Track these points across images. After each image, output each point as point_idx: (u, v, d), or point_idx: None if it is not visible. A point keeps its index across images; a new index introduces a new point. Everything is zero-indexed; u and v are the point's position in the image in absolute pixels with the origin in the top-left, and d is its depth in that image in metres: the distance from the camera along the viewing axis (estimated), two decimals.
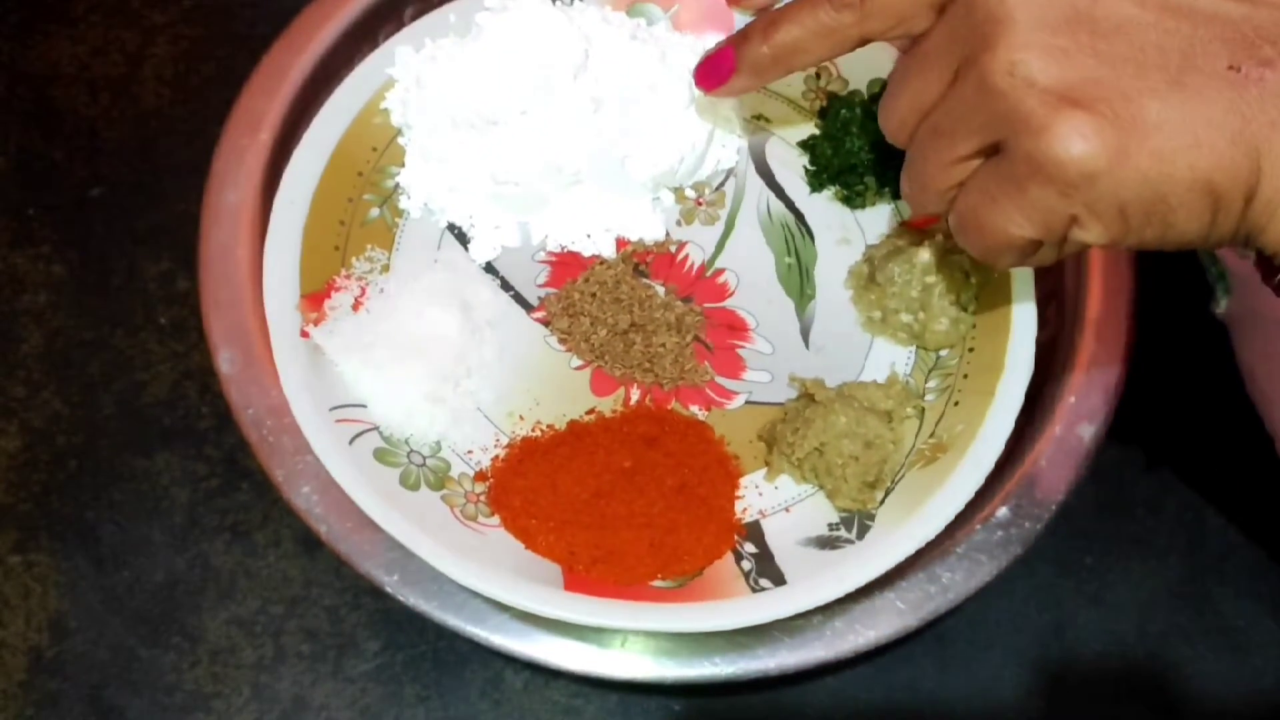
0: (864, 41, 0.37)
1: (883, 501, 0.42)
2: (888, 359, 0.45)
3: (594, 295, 0.45)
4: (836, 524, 0.42)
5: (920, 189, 0.36)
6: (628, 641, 0.40)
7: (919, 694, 0.51)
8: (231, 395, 0.46)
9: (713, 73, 0.41)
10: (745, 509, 0.43)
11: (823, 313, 0.46)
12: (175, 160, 0.61)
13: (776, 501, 0.43)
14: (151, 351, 0.57)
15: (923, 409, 0.43)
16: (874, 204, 0.48)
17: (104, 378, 0.57)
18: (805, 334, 0.46)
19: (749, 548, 0.41)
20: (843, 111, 0.47)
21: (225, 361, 0.47)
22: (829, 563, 0.40)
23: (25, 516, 0.54)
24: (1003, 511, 0.45)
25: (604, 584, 0.38)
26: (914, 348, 0.45)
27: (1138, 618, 0.53)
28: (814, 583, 0.40)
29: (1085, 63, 0.31)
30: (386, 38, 0.54)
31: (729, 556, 0.41)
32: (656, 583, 0.39)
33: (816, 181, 0.49)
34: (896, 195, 0.46)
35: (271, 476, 0.45)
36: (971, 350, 0.43)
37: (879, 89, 0.47)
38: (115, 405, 0.56)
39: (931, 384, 0.43)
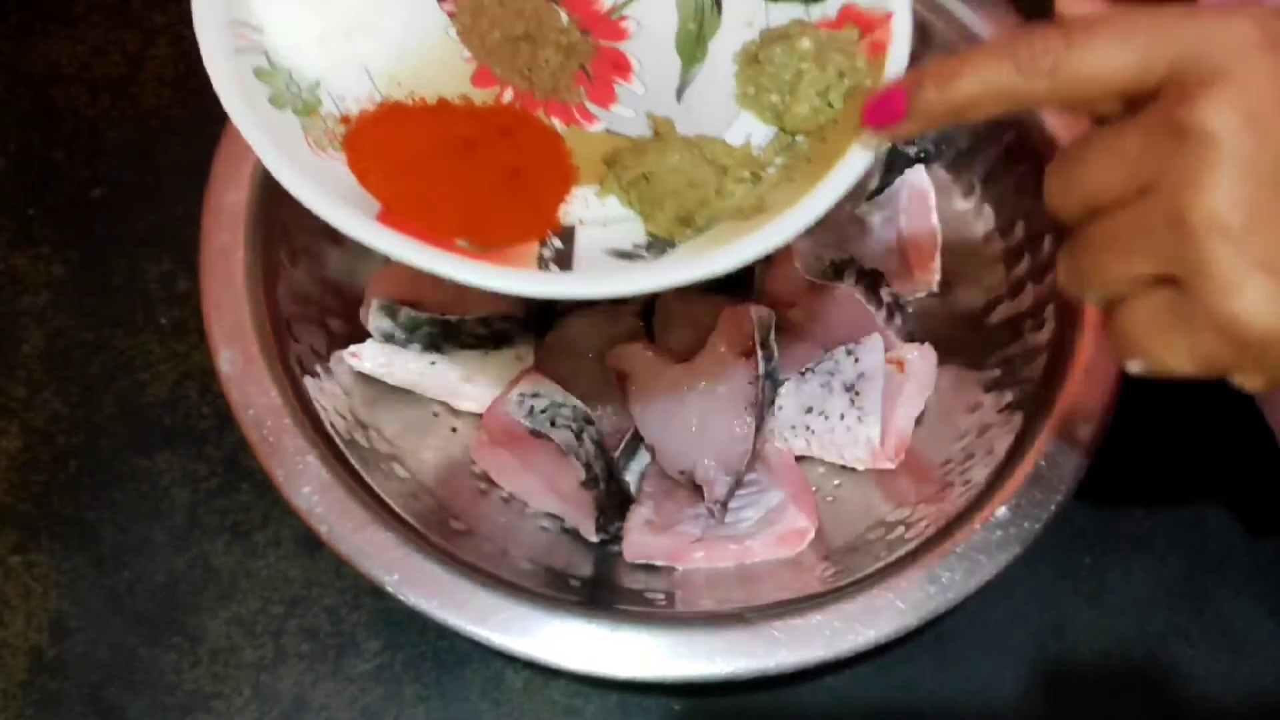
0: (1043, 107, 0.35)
1: (689, 239, 0.43)
2: (747, 131, 0.46)
3: (502, 3, 0.47)
4: (642, 245, 0.43)
5: (1081, 285, 0.34)
6: None
7: (918, 693, 0.51)
8: (232, 395, 0.46)
9: (882, 113, 0.38)
10: (568, 213, 0.44)
11: (703, 78, 0.48)
12: (176, 161, 0.61)
13: (598, 216, 0.44)
14: (152, 352, 0.57)
15: (759, 178, 0.44)
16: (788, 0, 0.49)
17: (104, 378, 0.57)
18: (680, 91, 0.48)
19: (556, 243, 0.43)
20: None
21: (226, 362, 0.47)
22: (618, 268, 0.42)
23: (26, 516, 0.54)
24: (1002, 511, 0.45)
25: (413, 228, 0.40)
26: (775, 129, 0.46)
27: (1137, 617, 0.53)
28: (594, 278, 0.40)
29: None
30: None
31: (534, 244, 0.42)
32: (460, 242, 0.41)
33: None
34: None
35: (272, 476, 0.45)
36: (823, 141, 0.44)
37: None
38: (116, 405, 0.56)
39: (778, 161, 0.45)
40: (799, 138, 0.45)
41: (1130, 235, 0.32)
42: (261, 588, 0.53)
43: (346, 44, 0.45)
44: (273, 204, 0.50)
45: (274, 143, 0.41)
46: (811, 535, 0.50)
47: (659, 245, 0.43)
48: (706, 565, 0.50)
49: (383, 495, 0.46)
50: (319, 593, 0.53)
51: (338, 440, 0.47)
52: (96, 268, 0.59)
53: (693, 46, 0.48)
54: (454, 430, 0.54)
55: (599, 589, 0.48)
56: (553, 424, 0.49)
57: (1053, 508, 0.45)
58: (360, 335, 0.52)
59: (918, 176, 0.57)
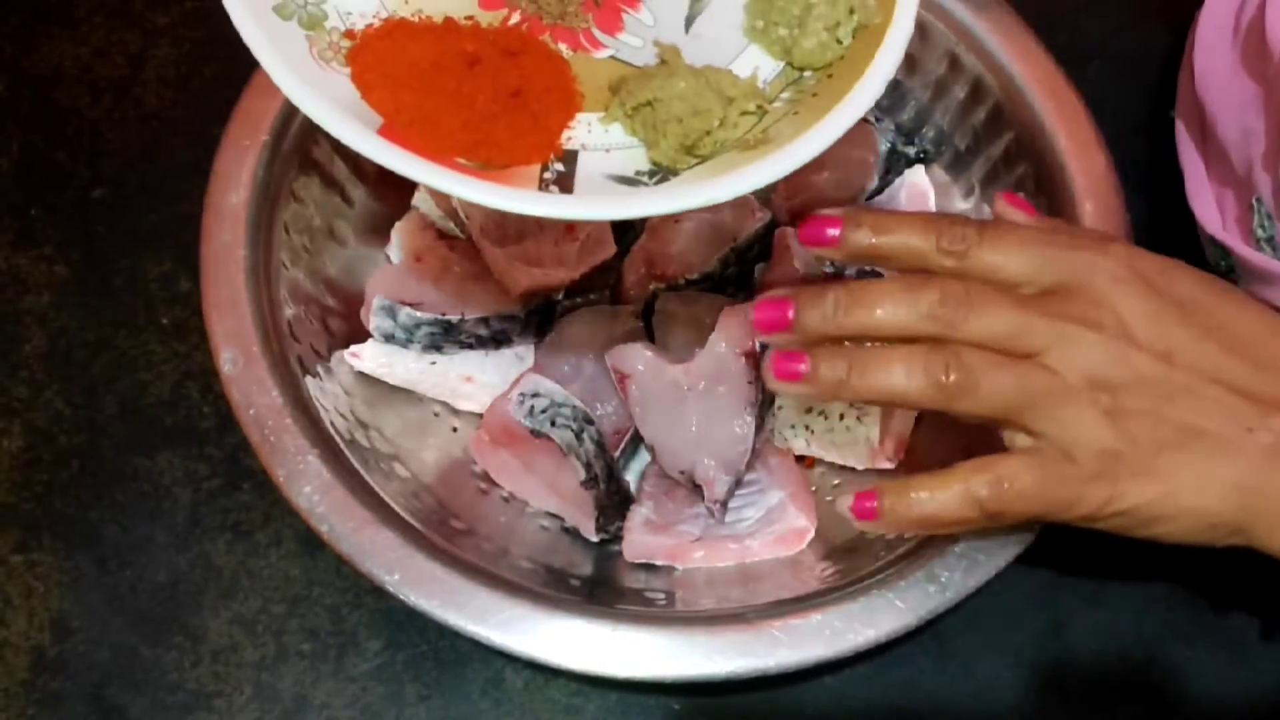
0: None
1: (691, 167, 0.43)
2: (754, 64, 0.46)
3: None
4: (644, 172, 0.43)
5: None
6: None
7: (918, 693, 0.51)
8: (233, 395, 0.46)
9: (818, 234, 0.43)
10: (570, 138, 0.44)
11: (712, 10, 0.47)
12: (177, 161, 0.62)
13: (601, 142, 0.44)
14: (153, 352, 0.58)
15: (765, 111, 0.44)
16: None
17: (106, 378, 0.57)
18: (689, 21, 0.47)
19: (558, 167, 0.42)
20: None
21: (227, 362, 0.47)
22: (619, 192, 0.41)
23: (28, 516, 0.54)
24: None
25: (415, 143, 0.40)
26: (783, 64, 0.46)
27: (1136, 617, 0.53)
28: (594, 200, 0.40)
29: (1126, 425, 0.39)
30: None
31: (536, 166, 0.42)
32: (461, 160, 0.41)
33: None
34: None
35: (273, 476, 0.45)
36: (830, 77, 0.44)
37: None
38: (117, 405, 0.56)
39: (784, 95, 0.45)
40: (806, 73, 0.45)
41: (997, 373, 0.40)
42: (263, 587, 0.53)
43: None
44: (274, 204, 0.51)
45: (278, 53, 0.40)
46: (811, 535, 0.50)
47: (661, 173, 0.43)
48: (706, 565, 0.50)
49: (383, 495, 0.46)
50: (320, 592, 0.53)
51: (338, 440, 0.47)
52: (98, 268, 0.59)
53: None
54: (454, 430, 0.54)
55: (599, 588, 0.48)
56: (553, 424, 0.49)
57: None
58: (361, 335, 0.52)
59: (917, 177, 0.57)
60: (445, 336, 0.52)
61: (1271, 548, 0.41)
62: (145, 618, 0.52)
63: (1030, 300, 0.40)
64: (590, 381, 0.53)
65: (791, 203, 0.56)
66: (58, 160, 0.62)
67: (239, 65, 0.53)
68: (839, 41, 0.44)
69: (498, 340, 0.54)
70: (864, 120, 0.56)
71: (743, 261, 0.56)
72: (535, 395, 0.50)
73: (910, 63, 0.57)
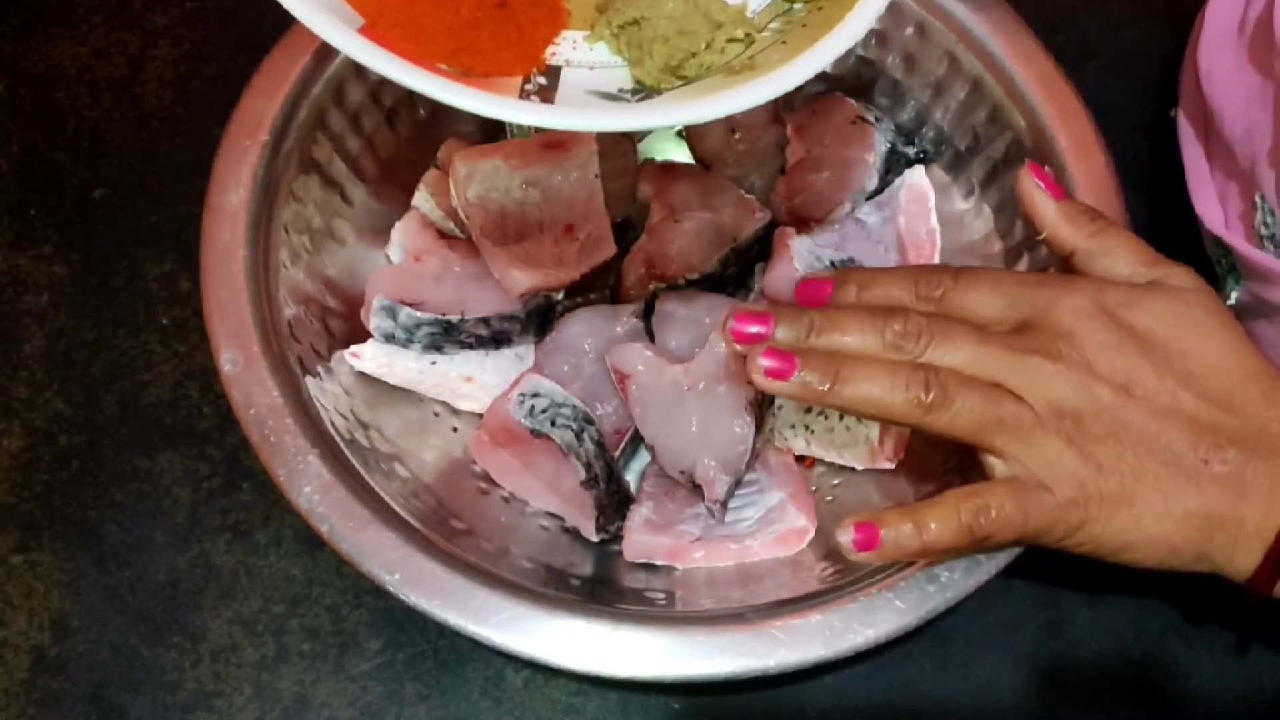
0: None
1: (675, 88, 0.43)
2: None
3: None
4: (626, 90, 0.43)
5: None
6: None
7: (918, 693, 0.51)
8: (233, 395, 0.46)
9: (812, 295, 0.46)
10: (555, 54, 0.43)
11: None
12: (177, 161, 0.62)
13: (586, 60, 0.44)
14: (153, 352, 0.58)
15: (752, 40, 0.44)
16: None
17: (106, 378, 0.57)
18: None
19: (539, 79, 0.42)
20: None
21: (227, 361, 0.47)
22: (600, 106, 0.41)
23: (28, 516, 0.54)
24: None
25: (395, 45, 0.39)
26: None
27: (1135, 617, 0.53)
28: (574, 111, 0.40)
29: (1092, 452, 0.41)
30: None
31: (518, 79, 0.42)
32: (442, 65, 0.40)
33: None
34: None
35: (273, 476, 0.45)
36: (820, 9, 0.43)
37: None
38: (117, 405, 0.56)
39: (773, 25, 0.44)
40: (796, 4, 0.44)
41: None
42: (263, 587, 0.53)
43: None
44: (273, 204, 0.51)
45: None
46: (811, 535, 0.50)
47: (644, 93, 0.42)
48: (706, 565, 0.50)
49: (383, 495, 0.46)
50: (320, 592, 0.53)
51: (338, 440, 0.47)
52: (98, 268, 0.59)
53: None
54: (454, 430, 0.54)
55: (599, 588, 0.48)
56: (553, 424, 0.49)
57: None
58: (360, 335, 0.52)
59: (917, 177, 0.57)
60: (445, 336, 0.52)
61: (1231, 573, 0.42)
62: (145, 618, 0.52)
63: (995, 335, 0.42)
64: (590, 381, 0.53)
65: (791, 203, 0.56)
66: (57, 160, 0.62)
67: (239, 65, 0.53)
68: None
69: (498, 340, 0.54)
70: (864, 120, 0.56)
71: (743, 261, 0.56)
72: (535, 395, 0.50)
73: (910, 63, 0.57)
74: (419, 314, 0.51)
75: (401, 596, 0.43)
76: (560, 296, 0.55)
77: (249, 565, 0.53)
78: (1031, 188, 0.46)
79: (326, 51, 0.53)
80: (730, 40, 0.43)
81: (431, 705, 0.51)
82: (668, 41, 0.42)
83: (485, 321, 0.52)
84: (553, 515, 0.52)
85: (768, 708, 0.51)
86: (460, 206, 0.54)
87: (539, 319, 0.54)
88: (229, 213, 0.49)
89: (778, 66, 0.39)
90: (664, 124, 0.39)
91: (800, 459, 0.54)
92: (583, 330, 0.54)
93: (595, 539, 0.51)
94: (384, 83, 0.56)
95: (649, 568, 0.50)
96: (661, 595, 0.48)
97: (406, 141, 0.57)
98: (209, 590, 0.53)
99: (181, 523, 0.54)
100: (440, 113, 0.58)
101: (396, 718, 0.51)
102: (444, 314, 0.52)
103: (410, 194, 0.57)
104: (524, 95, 0.41)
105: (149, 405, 0.56)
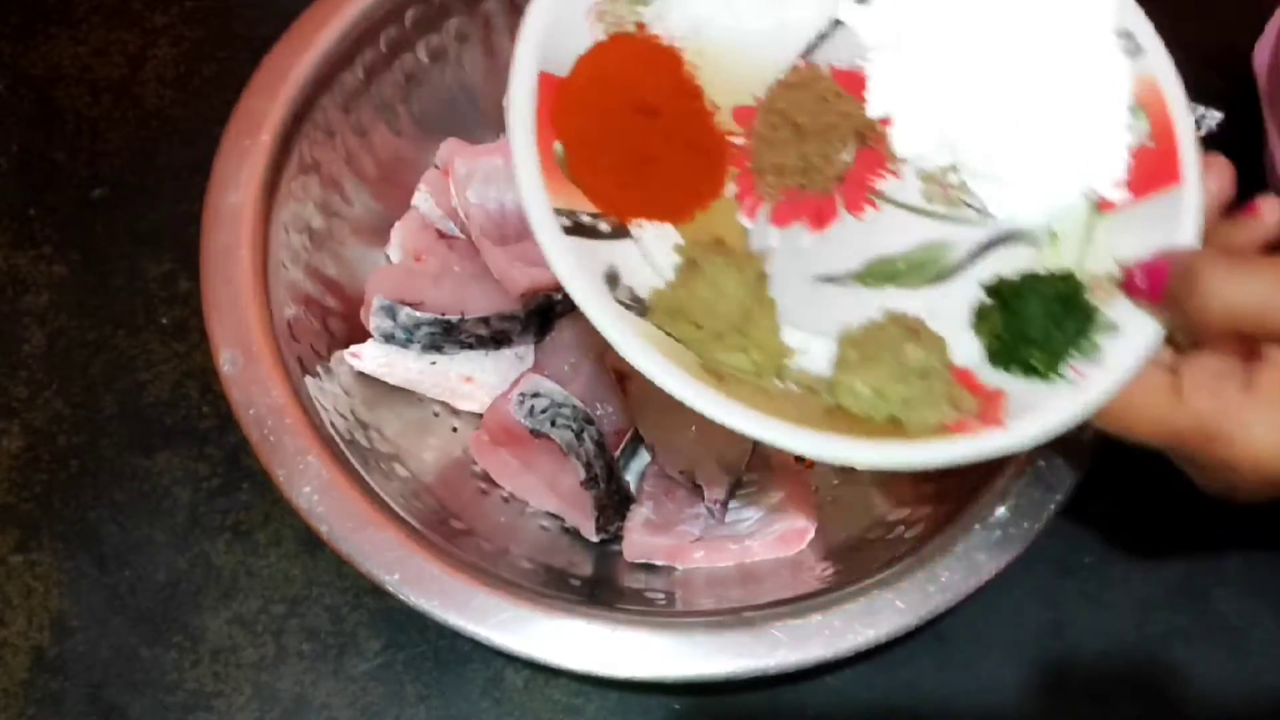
0: None
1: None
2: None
3: (825, 97, 0.44)
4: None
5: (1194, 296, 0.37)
6: None
7: (919, 693, 0.51)
8: (233, 395, 0.46)
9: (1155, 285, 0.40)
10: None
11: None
12: (177, 161, 0.62)
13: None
14: (153, 351, 0.58)
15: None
16: None
17: (106, 378, 0.57)
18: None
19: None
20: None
21: (227, 362, 0.47)
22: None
23: (27, 516, 0.54)
24: (1001, 511, 0.45)
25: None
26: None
27: (1137, 617, 0.53)
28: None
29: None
30: (388, 39, 0.54)
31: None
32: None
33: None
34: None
35: (273, 476, 0.45)
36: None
37: None
38: (117, 405, 0.56)
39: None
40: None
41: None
42: (262, 587, 0.53)
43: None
44: (273, 204, 0.51)
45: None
46: (811, 535, 0.50)
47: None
48: (706, 565, 0.50)
49: (383, 495, 0.46)
50: (320, 592, 0.53)
51: (338, 440, 0.47)
52: (98, 268, 0.59)
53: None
54: (454, 430, 0.54)
55: (599, 589, 0.48)
56: (553, 424, 0.49)
57: (1052, 507, 0.45)
58: (360, 335, 0.52)
59: None
60: (445, 336, 0.52)
61: None
62: (145, 618, 0.52)
63: None
64: (590, 381, 0.53)
65: None
66: (57, 160, 0.62)
67: (238, 65, 0.53)
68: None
69: (498, 340, 0.54)
70: None
71: None
72: (535, 395, 0.50)
73: None
74: (419, 314, 0.51)
75: (401, 597, 0.43)
76: (560, 296, 0.55)
77: (249, 565, 0.53)
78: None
79: (326, 51, 0.52)
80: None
81: (431, 706, 0.51)
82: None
83: (485, 321, 0.52)
84: (553, 515, 0.52)
85: (768, 708, 0.51)
86: (460, 206, 0.54)
87: (539, 319, 0.54)
88: (229, 213, 0.49)
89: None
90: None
91: (800, 459, 0.53)
92: (583, 330, 0.54)
93: (595, 539, 0.51)
94: (384, 82, 0.55)
95: (649, 568, 0.50)
96: (661, 595, 0.48)
97: (406, 141, 0.57)
98: (208, 590, 0.53)
99: (181, 523, 0.54)
100: (440, 113, 0.58)
101: (396, 718, 0.51)
102: (444, 314, 0.52)
103: (410, 194, 0.57)
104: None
105: (148, 405, 0.56)
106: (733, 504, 0.51)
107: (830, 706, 0.51)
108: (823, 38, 0.46)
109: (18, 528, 0.54)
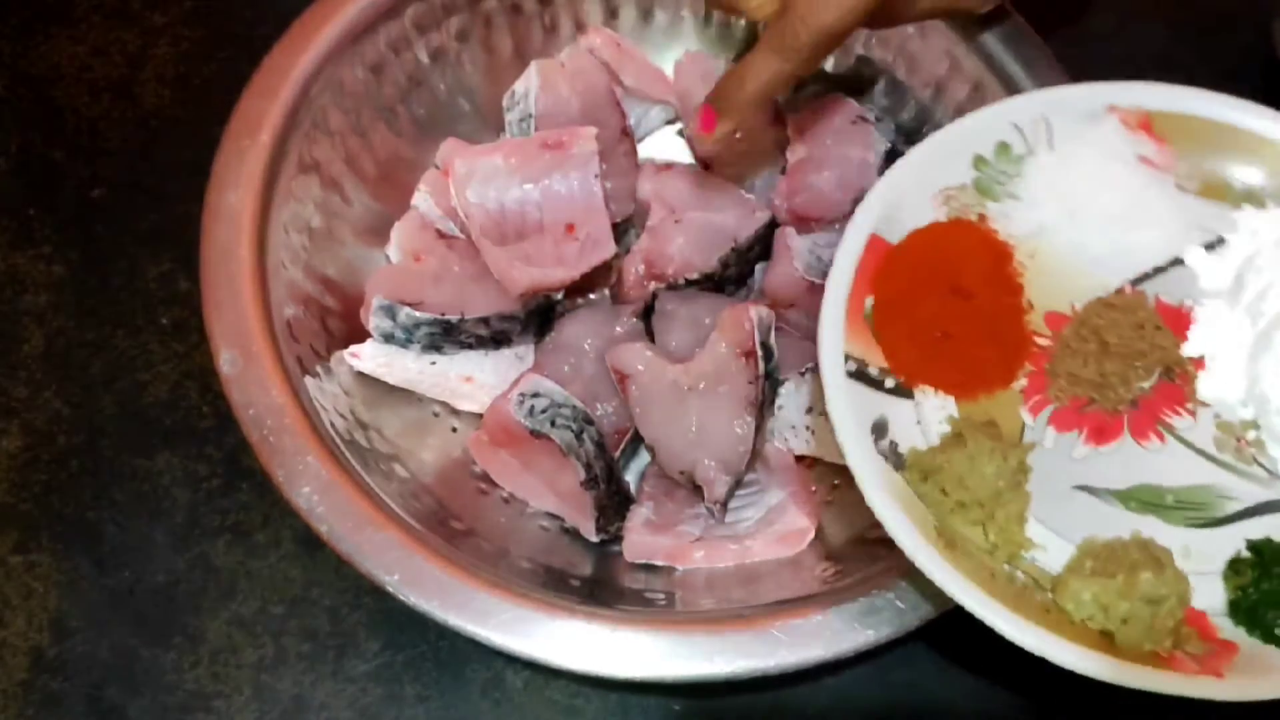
0: None
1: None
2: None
3: (1143, 325, 0.46)
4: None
5: None
6: None
7: (919, 694, 0.51)
8: (232, 395, 0.46)
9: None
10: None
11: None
12: (176, 161, 0.61)
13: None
14: (152, 352, 0.57)
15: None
16: None
17: (105, 378, 0.57)
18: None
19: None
20: None
21: (226, 362, 0.47)
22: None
23: (26, 516, 0.54)
24: None
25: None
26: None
27: None
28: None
29: None
30: (388, 39, 0.54)
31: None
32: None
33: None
34: None
35: (272, 476, 0.45)
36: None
37: None
38: (116, 405, 0.56)
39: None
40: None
41: None
42: (262, 588, 0.53)
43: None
44: (273, 204, 0.51)
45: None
46: (811, 535, 0.50)
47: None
48: (706, 565, 0.50)
49: (383, 495, 0.46)
50: (319, 593, 0.53)
51: (338, 440, 0.47)
52: (97, 268, 0.59)
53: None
54: (454, 430, 0.54)
55: (599, 589, 0.48)
56: (553, 424, 0.49)
57: None
58: (361, 335, 0.52)
59: None
60: (445, 336, 0.52)
61: None
62: (144, 618, 0.52)
63: None
64: (590, 381, 0.53)
65: (792, 202, 0.56)
66: (56, 160, 0.62)
67: (238, 65, 0.53)
68: None
69: (498, 340, 0.54)
70: (864, 120, 0.56)
71: (743, 261, 0.56)
72: (535, 395, 0.50)
73: (910, 62, 0.57)
74: (418, 314, 0.51)
75: (401, 597, 0.43)
76: (560, 296, 0.55)
77: (248, 566, 0.53)
78: None
79: (326, 51, 0.53)
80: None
81: (431, 707, 0.51)
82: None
83: (485, 321, 0.52)
84: (552, 516, 0.52)
85: (768, 708, 0.51)
86: (460, 206, 0.54)
87: (539, 319, 0.54)
88: (229, 213, 0.49)
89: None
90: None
91: (800, 459, 0.53)
92: (583, 330, 0.54)
93: (595, 539, 0.51)
94: (384, 82, 0.56)
95: (649, 568, 0.50)
96: (661, 596, 0.48)
97: (407, 141, 0.57)
98: (208, 591, 0.53)
99: (180, 523, 0.54)
100: (440, 113, 0.58)
101: (396, 719, 0.51)
102: (443, 314, 0.52)
103: (410, 194, 0.57)
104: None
105: (148, 405, 0.56)
106: (733, 504, 0.51)
107: (830, 707, 0.51)
108: (1158, 271, 0.47)
109: (17, 528, 0.54)
